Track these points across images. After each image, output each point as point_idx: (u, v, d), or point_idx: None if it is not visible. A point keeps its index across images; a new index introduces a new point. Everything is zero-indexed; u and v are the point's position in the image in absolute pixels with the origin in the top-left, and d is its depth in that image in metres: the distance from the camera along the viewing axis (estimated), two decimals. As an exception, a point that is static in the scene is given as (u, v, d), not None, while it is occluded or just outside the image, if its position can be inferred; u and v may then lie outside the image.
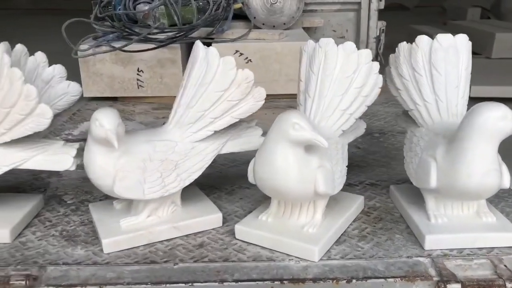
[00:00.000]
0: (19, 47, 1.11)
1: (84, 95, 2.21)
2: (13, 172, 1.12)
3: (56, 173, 1.44)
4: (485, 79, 5.53)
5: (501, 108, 0.96)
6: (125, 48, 2.12)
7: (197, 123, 1.10)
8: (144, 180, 1.04)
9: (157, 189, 1.06)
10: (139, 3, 2.40)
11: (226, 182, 1.39)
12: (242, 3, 2.49)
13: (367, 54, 1.15)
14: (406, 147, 1.19)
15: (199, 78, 1.09)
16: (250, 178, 1.08)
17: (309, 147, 1.00)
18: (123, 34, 2.23)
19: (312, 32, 2.78)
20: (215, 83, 1.08)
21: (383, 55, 2.84)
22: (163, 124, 1.16)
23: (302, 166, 0.98)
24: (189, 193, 1.19)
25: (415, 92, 1.16)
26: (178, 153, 1.09)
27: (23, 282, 0.93)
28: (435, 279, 0.95)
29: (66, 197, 1.31)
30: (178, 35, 2.20)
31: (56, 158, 1.09)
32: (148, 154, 1.05)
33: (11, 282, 0.92)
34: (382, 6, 2.78)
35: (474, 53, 5.64)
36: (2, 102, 1.01)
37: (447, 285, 0.93)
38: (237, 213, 1.22)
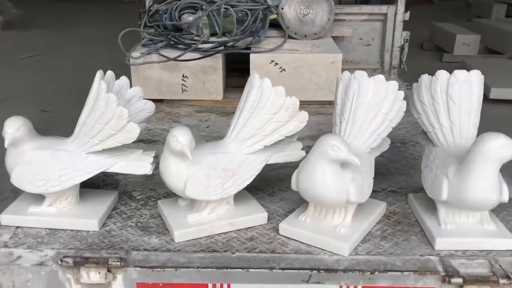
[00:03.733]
0: (109, 73, 1.36)
1: (134, 97, 2.47)
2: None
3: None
4: (507, 81, 5.65)
5: (503, 139, 1.18)
6: (173, 57, 2.37)
7: (251, 139, 1.35)
8: (209, 184, 1.29)
9: (218, 192, 1.31)
10: (183, 14, 2.64)
11: (267, 184, 1.63)
12: (277, 14, 2.70)
13: (394, 85, 1.37)
14: (423, 163, 1.41)
15: (254, 103, 1.32)
16: (293, 186, 1.32)
17: (343, 163, 1.23)
18: (171, 43, 2.47)
19: (340, 40, 2.99)
20: (268, 108, 1.32)
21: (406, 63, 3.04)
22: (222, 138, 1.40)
23: (338, 179, 1.22)
24: (239, 194, 1.43)
25: (433, 117, 1.38)
26: (235, 163, 1.33)
27: (118, 263, 1.19)
28: (442, 274, 1.18)
29: (135, 193, 1.57)
30: (220, 45, 2.43)
31: (136, 164, 1.35)
32: (212, 164, 1.31)
33: (109, 263, 1.19)
34: (407, 18, 2.96)
35: (497, 52, 5.88)
36: (98, 120, 1.27)
37: (451, 280, 1.17)
38: (278, 213, 1.46)
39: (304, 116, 1.35)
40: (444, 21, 8.68)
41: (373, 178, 1.39)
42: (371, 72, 3.06)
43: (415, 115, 1.46)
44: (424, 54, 7.69)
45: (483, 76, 1.40)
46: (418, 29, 8.46)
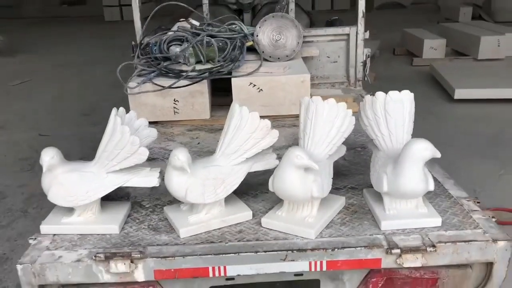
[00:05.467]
0: (121, 109, 1.73)
1: (132, 121, 2.82)
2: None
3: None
4: (471, 82, 6.13)
5: (424, 143, 1.58)
6: (165, 85, 2.74)
7: (235, 153, 1.72)
8: (204, 191, 1.66)
9: (212, 196, 1.68)
10: (171, 45, 3.02)
11: (251, 189, 1.99)
12: (253, 40, 3.09)
13: (343, 105, 1.76)
14: (371, 164, 1.80)
15: (236, 125, 1.70)
16: (270, 188, 1.69)
17: (306, 168, 1.61)
18: (162, 72, 2.85)
19: (310, 59, 3.39)
20: (247, 128, 1.69)
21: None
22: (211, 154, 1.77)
23: (303, 180, 1.60)
24: (229, 198, 1.80)
25: (375, 128, 1.78)
26: (224, 173, 1.71)
27: (139, 255, 1.55)
28: (385, 247, 1.56)
29: (143, 202, 1.93)
30: (204, 73, 2.81)
31: (146, 179, 1.72)
32: (206, 175, 1.68)
33: (132, 255, 1.55)
34: (367, 36, 3.37)
35: (463, 54, 6.54)
36: (115, 146, 1.63)
37: (392, 251, 1.55)
38: (261, 210, 1.83)
39: (275, 133, 1.73)
40: (416, 24, 9.20)
41: (337, 178, 1.76)
42: (339, 85, 3.49)
43: (363, 126, 1.85)
44: (396, 59, 8.18)
45: (412, 94, 1.79)
46: (390, 35, 8.97)
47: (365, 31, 3.34)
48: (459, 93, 5.73)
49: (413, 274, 1.63)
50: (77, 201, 1.67)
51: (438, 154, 1.60)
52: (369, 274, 1.66)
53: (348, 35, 3.37)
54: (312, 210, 1.68)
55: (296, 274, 1.67)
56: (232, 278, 1.66)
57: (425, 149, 1.57)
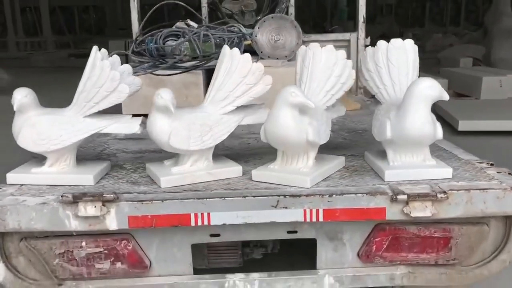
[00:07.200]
0: (103, 50, 1.61)
1: (124, 113, 2.70)
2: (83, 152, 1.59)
3: (114, 154, 1.91)
4: (474, 115, 6.02)
5: (430, 81, 1.44)
6: (160, 74, 2.64)
7: (225, 101, 1.58)
8: (189, 136, 1.51)
9: (198, 143, 1.52)
10: (168, 40, 2.95)
11: (244, 156, 1.84)
12: (251, 40, 3.04)
13: (342, 53, 1.64)
14: (373, 119, 1.65)
15: (227, 69, 1.57)
16: (262, 136, 1.54)
17: (302, 110, 1.46)
18: (156, 63, 2.76)
19: (309, 65, 3.31)
20: (238, 72, 1.57)
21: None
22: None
23: (297, 121, 1.45)
24: (217, 157, 1.64)
25: (378, 80, 1.64)
26: (211, 120, 1.56)
27: (112, 196, 1.37)
28: (390, 194, 1.38)
29: (125, 165, 1.77)
30: (199, 63, 2.72)
31: (127, 125, 1.58)
32: (192, 120, 1.53)
33: (104, 195, 1.37)
34: (368, 42, 3.31)
35: (464, 95, 6.34)
36: (94, 84, 1.50)
37: (398, 197, 1.37)
38: (252, 170, 1.66)
39: (268, 79, 1.60)
40: (417, 73, 9.27)
41: (337, 150, 1.62)
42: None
43: (364, 82, 1.72)
44: (398, 101, 8.15)
45: (416, 46, 1.67)
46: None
47: (366, 37, 3.29)
48: (463, 125, 5.62)
49: (422, 232, 1.44)
50: (49, 145, 1.52)
51: (446, 96, 1.46)
52: (372, 233, 1.46)
53: (348, 41, 3.32)
54: (308, 161, 1.52)
55: (290, 232, 1.48)
56: (217, 235, 1.47)
57: (430, 87, 1.44)
